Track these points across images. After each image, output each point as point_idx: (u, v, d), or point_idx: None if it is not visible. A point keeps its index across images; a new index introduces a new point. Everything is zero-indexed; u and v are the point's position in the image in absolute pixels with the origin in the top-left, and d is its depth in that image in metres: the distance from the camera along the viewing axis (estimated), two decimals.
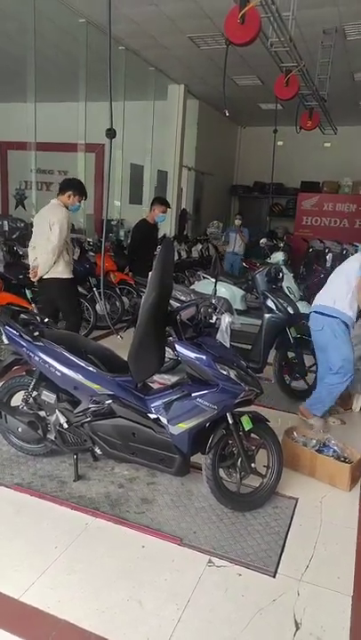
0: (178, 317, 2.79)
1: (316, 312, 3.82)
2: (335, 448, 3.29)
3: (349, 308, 3.66)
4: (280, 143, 9.58)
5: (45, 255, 4.34)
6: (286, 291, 4.88)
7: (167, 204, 6.11)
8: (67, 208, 4.41)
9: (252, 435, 2.90)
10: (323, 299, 3.82)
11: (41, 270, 4.40)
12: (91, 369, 2.87)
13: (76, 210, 4.59)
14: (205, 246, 9.99)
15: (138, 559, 2.44)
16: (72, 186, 4.47)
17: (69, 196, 4.40)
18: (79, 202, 4.49)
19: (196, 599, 2.21)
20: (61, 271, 4.44)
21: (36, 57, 7.66)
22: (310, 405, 3.90)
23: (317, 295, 3.94)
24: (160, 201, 6.09)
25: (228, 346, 2.97)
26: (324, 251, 9.10)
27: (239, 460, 2.79)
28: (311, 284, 8.29)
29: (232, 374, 2.66)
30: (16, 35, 7.82)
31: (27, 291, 5.25)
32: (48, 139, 9.21)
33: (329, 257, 8.44)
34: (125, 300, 6.50)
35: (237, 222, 9.95)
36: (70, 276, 4.54)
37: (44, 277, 4.44)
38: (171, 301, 3.46)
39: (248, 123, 13.81)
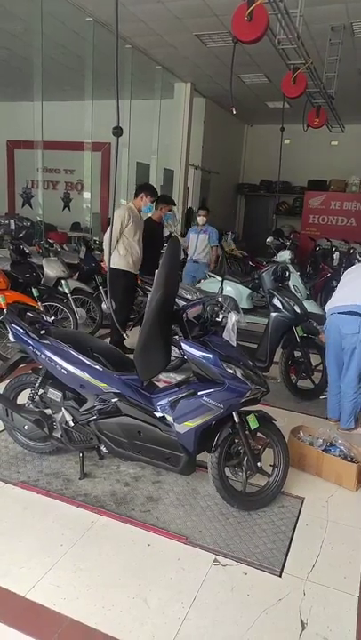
0: (184, 316, 2.79)
1: (350, 312, 3.61)
2: (342, 448, 3.28)
3: None
4: (287, 141, 9.53)
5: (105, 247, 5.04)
6: (293, 289, 4.87)
7: (173, 203, 6.14)
8: (139, 210, 4.99)
9: (259, 434, 2.89)
10: (356, 298, 3.60)
11: (105, 260, 5.08)
12: (97, 367, 2.88)
13: (149, 210, 5.14)
14: None
15: (143, 557, 2.44)
16: (143, 188, 5.08)
17: (142, 198, 4.97)
18: (151, 202, 5.02)
19: (202, 598, 2.21)
20: (115, 262, 4.87)
21: (43, 56, 7.66)
22: (345, 423, 3.81)
23: (341, 296, 3.76)
24: (165, 200, 6.10)
25: (234, 344, 2.96)
26: (331, 249, 9.06)
27: (245, 458, 2.79)
28: (318, 283, 8.27)
29: (238, 373, 2.66)
30: (23, 34, 7.83)
31: (33, 289, 5.27)
32: (54, 137, 9.22)
33: (336, 255, 8.40)
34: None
35: (200, 220, 7.27)
36: (122, 268, 4.92)
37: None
38: (177, 300, 3.45)
39: (255, 121, 13.76)
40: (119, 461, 3.21)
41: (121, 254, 4.91)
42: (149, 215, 5.81)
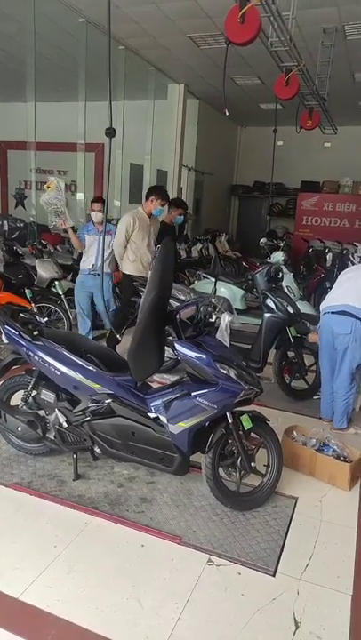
0: (177, 317, 2.79)
1: (343, 312, 3.64)
2: (335, 447, 3.29)
3: None
4: (280, 143, 9.55)
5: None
6: (286, 290, 4.88)
7: (185, 207, 6.08)
8: (149, 214, 4.89)
9: (252, 434, 2.90)
10: (350, 299, 3.64)
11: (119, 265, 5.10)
12: (90, 368, 2.87)
13: (159, 214, 4.99)
14: (205, 246, 9.97)
15: (137, 558, 2.44)
16: (153, 191, 4.97)
17: (152, 201, 4.86)
18: (161, 206, 4.90)
19: (196, 598, 2.21)
20: (127, 268, 4.97)
21: (36, 56, 7.64)
22: (338, 423, 3.83)
23: (335, 296, 3.78)
24: (177, 203, 6.06)
25: (227, 345, 2.97)
26: (325, 250, 9.09)
27: (239, 459, 2.80)
28: (311, 284, 8.30)
29: (232, 373, 2.66)
30: (16, 34, 7.81)
31: (26, 290, 5.25)
32: (48, 138, 9.20)
33: (329, 257, 8.43)
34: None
35: (96, 216, 5.14)
36: (133, 273, 4.91)
37: None
38: (170, 301, 3.46)
39: (248, 122, 13.80)
40: (113, 462, 3.21)
41: (130, 260, 4.93)
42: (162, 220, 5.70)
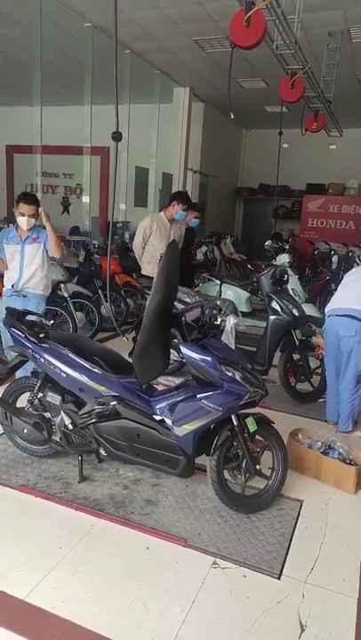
0: (183, 319, 2.79)
1: (348, 316, 3.65)
2: (341, 450, 3.28)
3: None
4: (285, 145, 9.53)
5: None
6: (291, 293, 4.88)
7: (187, 201, 6.08)
8: (170, 220, 4.94)
9: (257, 436, 2.90)
10: (354, 301, 3.67)
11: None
12: (96, 370, 2.88)
13: (181, 218, 5.01)
14: (210, 248, 9.98)
15: (142, 560, 2.44)
16: (175, 196, 5.09)
17: (173, 206, 4.94)
18: (182, 210, 4.92)
19: (201, 600, 2.21)
20: (145, 269, 5.07)
21: (42, 61, 7.69)
22: (343, 426, 3.83)
23: (340, 298, 3.79)
24: (181, 196, 6.04)
25: (232, 347, 2.97)
26: (330, 253, 9.07)
27: (244, 461, 2.80)
28: (317, 286, 8.28)
29: (237, 376, 2.67)
30: (22, 39, 7.86)
31: None
32: (54, 142, 9.24)
33: (335, 259, 8.42)
34: (130, 301, 6.52)
35: (24, 221, 3.89)
36: (150, 274, 4.84)
37: None
38: (176, 303, 3.46)
39: (253, 125, 13.80)
40: (118, 464, 3.21)
41: (146, 261, 5.02)
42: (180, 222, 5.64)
